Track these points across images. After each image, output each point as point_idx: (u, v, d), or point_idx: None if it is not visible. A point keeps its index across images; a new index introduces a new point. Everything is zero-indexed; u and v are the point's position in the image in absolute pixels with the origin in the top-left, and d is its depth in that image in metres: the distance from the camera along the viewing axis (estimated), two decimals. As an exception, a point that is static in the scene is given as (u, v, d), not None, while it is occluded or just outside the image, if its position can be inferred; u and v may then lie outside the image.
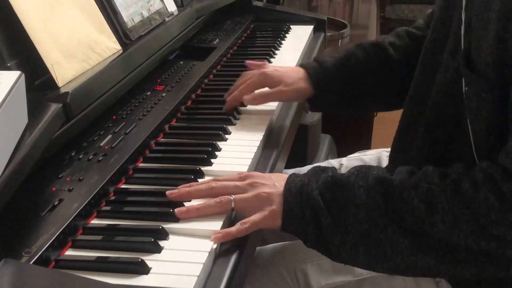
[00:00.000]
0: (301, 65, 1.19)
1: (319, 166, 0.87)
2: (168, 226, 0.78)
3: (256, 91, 1.14)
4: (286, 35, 1.74)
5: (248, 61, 1.24)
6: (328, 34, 1.96)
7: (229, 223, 0.82)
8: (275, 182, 0.84)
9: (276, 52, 1.57)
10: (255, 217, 0.81)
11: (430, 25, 1.13)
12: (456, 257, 0.76)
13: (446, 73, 0.89)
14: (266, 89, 1.15)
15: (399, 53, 1.17)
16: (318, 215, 0.79)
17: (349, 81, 1.16)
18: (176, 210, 0.80)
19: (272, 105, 1.19)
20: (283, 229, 0.83)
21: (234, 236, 0.78)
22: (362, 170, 0.82)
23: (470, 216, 0.75)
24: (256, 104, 1.14)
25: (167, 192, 0.84)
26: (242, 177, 0.86)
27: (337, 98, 1.18)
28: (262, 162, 1.00)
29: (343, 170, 0.90)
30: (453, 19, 0.90)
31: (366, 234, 0.78)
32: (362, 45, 1.19)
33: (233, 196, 0.82)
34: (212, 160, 0.96)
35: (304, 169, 1.14)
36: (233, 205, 0.82)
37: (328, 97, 1.17)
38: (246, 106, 1.17)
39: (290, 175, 0.86)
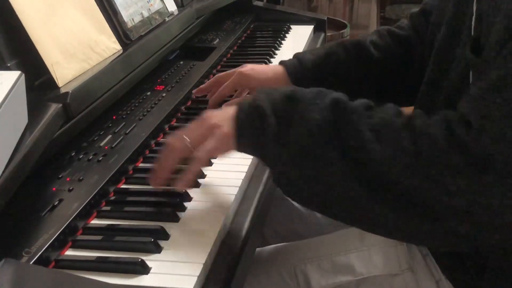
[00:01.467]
0: (281, 62, 1.18)
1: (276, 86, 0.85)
2: (168, 226, 0.78)
3: (232, 102, 1.11)
4: (286, 35, 1.74)
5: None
6: (328, 34, 1.96)
7: (230, 222, 0.82)
8: (229, 110, 0.83)
9: (276, 52, 1.57)
10: (207, 143, 0.81)
11: (416, 25, 1.13)
12: (385, 196, 0.72)
13: (458, 67, 0.88)
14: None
15: (380, 52, 1.16)
16: (264, 123, 0.78)
17: (328, 79, 1.15)
18: (150, 182, 0.84)
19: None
20: (237, 147, 0.82)
21: (194, 173, 0.81)
22: (323, 91, 0.81)
23: (412, 152, 0.71)
24: None
25: (149, 181, 0.85)
26: (196, 120, 0.85)
27: None
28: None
29: None
30: (467, 13, 0.90)
31: (305, 149, 0.75)
32: (343, 43, 1.18)
33: (185, 135, 0.82)
34: (212, 160, 0.96)
35: None
36: (188, 144, 0.82)
37: None
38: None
39: (243, 97, 0.85)
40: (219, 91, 1.15)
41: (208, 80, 1.34)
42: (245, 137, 0.80)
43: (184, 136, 0.83)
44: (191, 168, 0.81)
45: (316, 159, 0.75)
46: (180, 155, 0.83)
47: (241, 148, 0.82)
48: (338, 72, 1.15)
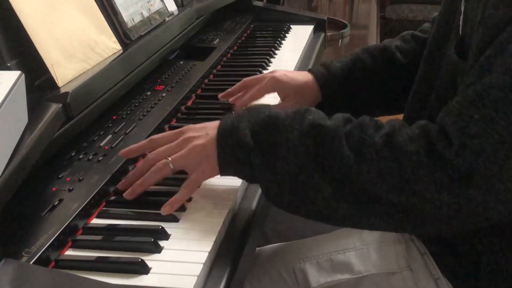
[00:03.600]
0: (309, 70, 1.19)
1: (256, 105, 0.87)
2: (168, 226, 0.78)
3: None
4: (286, 35, 1.74)
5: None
6: (328, 34, 1.96)
7: (229, 222, 0.83)
8: (208, 131, 0.84)
9: (276, 52, 1.57)
10: (195, 174, 0.83)
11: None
12: (376, 209, 0.76)
13: (448, 66, 0.89)
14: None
15: (406, 56, 1.17)
16: (250, 156, 0.80)
17: (356, 86, 1.16)
18: (124, 194, 0.84)
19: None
20: (222, 174, 0.84)
21: (180, 202, 0.82)
22: (300, 112, 0.82)
23: (396, 169, 0.74)
24: None
25: (123, 194, 0.84)
26: (176, 133, 0.87)
27: (345, 103, 1.17)
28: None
29: None
30: (456, 12, 0.91)
31: (293, 177, 0.78)
32: (369, 49, 1.19)
33: (169, 157, 0.84)
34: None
35: None
36: (172, 166, 0.84)
37: (336, 103, 1.17)
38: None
39: (223, 117, 0.85)
40: (251, 95, 1.15)
41: (209, 80, 1.35)
42: (228, 167, 0.83)
43: (169, 158, 0.84)
44: (181, 197, 0.82)
45: (306, 185, 0.78)
46: (162, 177, 0.85)
47: (226, 175, 0.84)
48: (365, 78, 1.16)
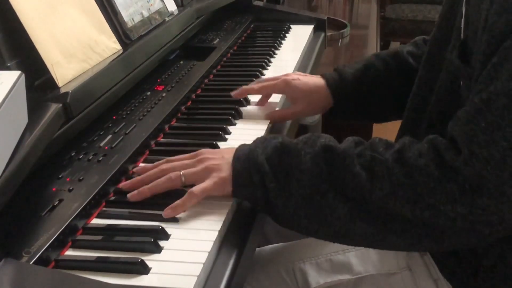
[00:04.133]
0: (322, 75, 1.19)
1: (269, 136, 0.89)
2: (168, 226, 0.78)
3: (279, 111, 1.15)
4: (286, 35, 1.74)
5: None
6: (328, 34, 1.96)
7: (229, 222, 0.82)
8: (224, 154, 0.87)
9: (276, 52, 1.57)
10: (205, 183, 0.83)
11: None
12: (393, 226, 0.77)
13: (449, 68, 0.89)
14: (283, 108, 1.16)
15: (418, 61, 1.17)
16: (264, 179, 0.81)
17: (368, 91, 1.16)
18: (128, 195, 0.83)
19: (273, 105, 1.19)
20: (234, 195, 0.84)
21: (183, 207, 0.80)
22: (311, 138, 0.84)
23: (408, 185, 0.75)
24: (274, 122, 1.14)
25: (128, 194, 0.84)
26: (192, 156, 0.89)
27: (356, 108, 1.18)
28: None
29: None
30: (457, 14, 0.90)
31: (308, 199, 0.79)
32: (381, 55, 1.20)
33: (182, 171, 0.85)
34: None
35: None
36: (183, 179, 0.84)
37: (347, 108, 1.17)
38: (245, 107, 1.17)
39: (240, 145, 0.87)
40: (258, 88, 1.16)
41: (209, 80, 1.35)
42: (242, 189, 0.83)
43: (181, 172, 0.85)
44: (186, 203, 0.81)
45: (321, 206, 0.79)
46: (171, 187, 0.85)
47: (238, 196, 0.85)
48: (378, 83, 1.17)
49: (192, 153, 0.89)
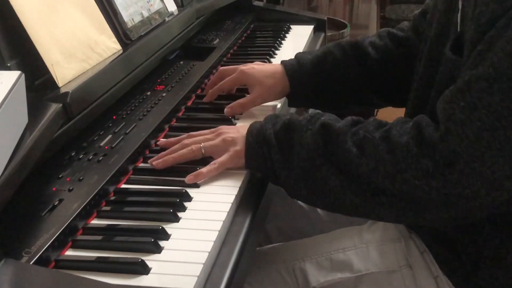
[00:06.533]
0: (282, 61, 1.20)
1: (280, 113, 0.96)
2: (168, 226, 0.79)
3: (236, 102, 1.14)
4: (286, 35, 1.74)
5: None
6: (328, 34, 1.96)
7: (229, 222, 0.82)
8: (239, 129, 0.96)
9: (276, 52, 1.57)
10: (222, 158, 0.92)
11: (417, 26, 1.14)
12: (380, 199, 0.82)
13: (447, 63, 0.90)
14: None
15: (378, 52, 1.18)
16: (271, 152, 0.89)
17: (325, 79, 1.18)
18: (154, 162, 0.93)
19: (272, 105, 1.19)
20: (247, 166, 0.93)
21: (205, 176, 0.90)
22: (315, 116, 0.90)
23: (389, 161, 0.80)
24: (234, 114, 1.14)
25: (152, 162, 0.93)
26: (211, 131, 0.98)
27: (313, 95, 1.19)
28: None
29: None
30: (455, 10, 0.91)
31: (306, 171, 0.86)
32: (340, 43, 1.22)
33: (203, 143, 0.94)
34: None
35: None
36: (203, 151, 0.94)
37: (304, 94, 1.19)
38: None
39: (253, 122, 0.96)
40: (219, 86, 1.19)
41: (209, 80, 1.34)
42: (253, 160, 0.92)
43: (202, 144, 0.94)
44: (206, 171, 0.90)
45: (316, 178, 0.86)
46: (192, 158, 0.94)
47: (250, 167, 0.93)
48: (335, 71, 1.18)
49: (211, 129, 0.98)
